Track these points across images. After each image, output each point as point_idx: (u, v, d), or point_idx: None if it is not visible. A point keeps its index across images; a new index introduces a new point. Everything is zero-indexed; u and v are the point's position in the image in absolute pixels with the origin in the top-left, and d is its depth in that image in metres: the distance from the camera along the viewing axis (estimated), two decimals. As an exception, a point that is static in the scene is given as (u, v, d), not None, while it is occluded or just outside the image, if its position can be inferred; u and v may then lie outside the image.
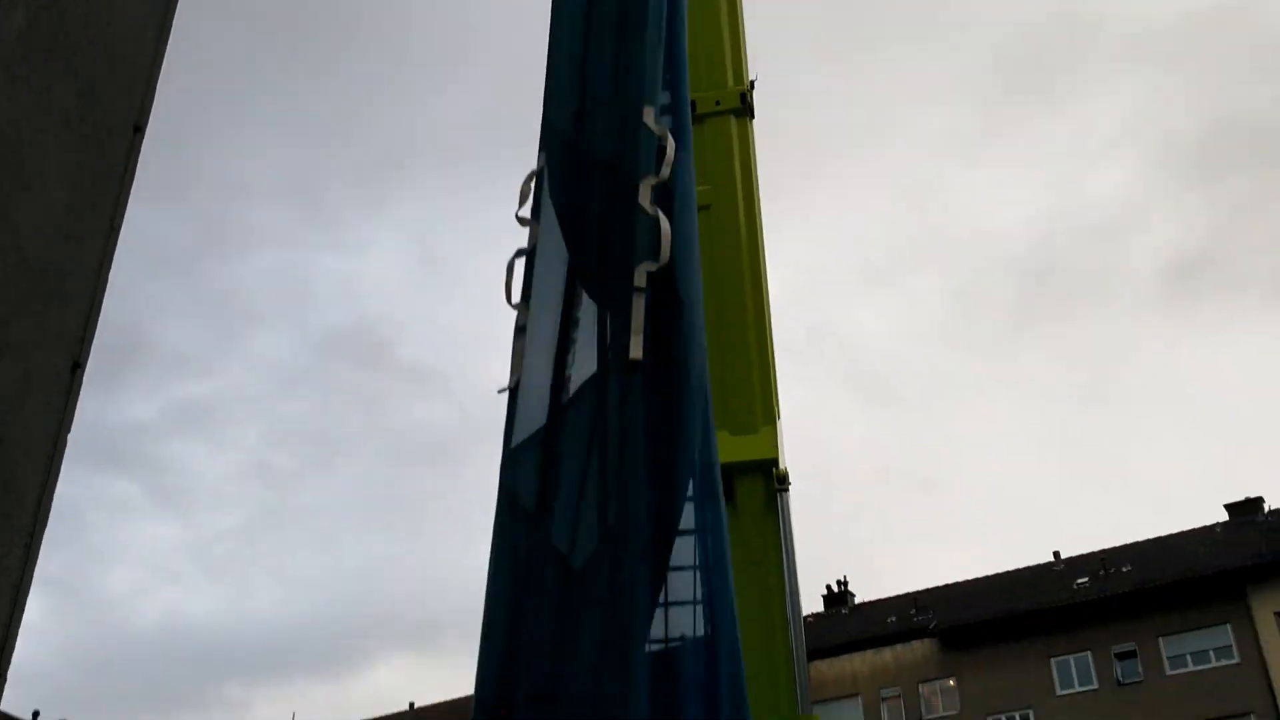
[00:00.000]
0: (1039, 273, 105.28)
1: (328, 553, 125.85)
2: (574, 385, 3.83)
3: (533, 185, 4.91)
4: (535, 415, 3.79)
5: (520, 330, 4.23)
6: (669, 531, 3.42)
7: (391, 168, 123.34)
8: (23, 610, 4.50)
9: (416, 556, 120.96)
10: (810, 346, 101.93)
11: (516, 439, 3.80)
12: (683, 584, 3.36)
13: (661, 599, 3.28)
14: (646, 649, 3.14)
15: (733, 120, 7.79)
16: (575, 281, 4.25)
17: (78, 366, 4.46)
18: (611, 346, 3.83)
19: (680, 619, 3.28)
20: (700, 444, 3.74)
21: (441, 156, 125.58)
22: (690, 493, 3.55)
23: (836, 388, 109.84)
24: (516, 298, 4.50)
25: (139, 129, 4.81)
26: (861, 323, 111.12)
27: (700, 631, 3.23)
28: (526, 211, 4.87)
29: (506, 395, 3.99)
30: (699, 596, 3.33)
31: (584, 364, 3.88)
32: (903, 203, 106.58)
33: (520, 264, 4.61)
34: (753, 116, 7.98)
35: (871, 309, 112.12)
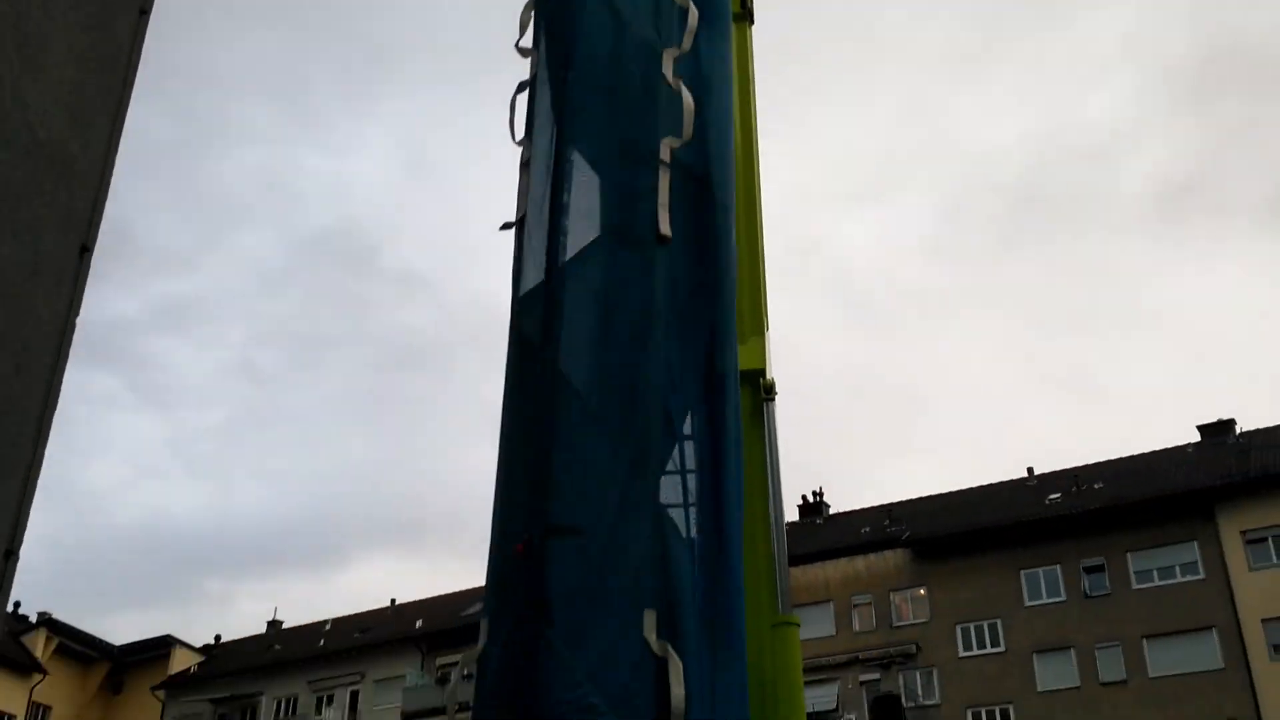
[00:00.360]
0: (1029, 193, 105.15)
1: (312, 453, 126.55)
2: (577, 231, 3.74)
3: (532, 14, 4.70)
4: (542, 257, 3.75)
5: (524, 166, 4.15)
6: (685, 401, 3.46)
7: (381, 66, 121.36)
8: (34, 490, 4.59)
9: (400, 460, 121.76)
10: (798, 261, 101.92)
11: (526, 281, 3.78)
12: (697, 481, 3.40)
13: (683, 497, 3.32)
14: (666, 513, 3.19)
15: (732, 25, 7.68)
16: (563, 115, 4.10)
17: (86, 250, 4.48)
18: (619, 209, 3.74)
19: (694, 515, 3.33)
20: (725, 342, 3.76)
21: (432, 56, 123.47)
22: (713, 385, 3.58)
23: (822, 303, 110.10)
24: (520, 134, 4.37)
25: (144, 11, 4.76)
26: (850, 239, 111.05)
27: (710, 530, 3.28)
28: (528, 41, 4.71)
29: (513, 231, 3.94)
30: (714, 495, 3.39)
31: (587, 212, 3.75)
32: (896, 119, 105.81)
33: (523, 99, 4.48)
34: (752, 22, 7.88)
35: (861, 225, 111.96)
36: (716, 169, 4.18)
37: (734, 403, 3.66)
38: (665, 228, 3.73)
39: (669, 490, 3.29)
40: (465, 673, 3.22)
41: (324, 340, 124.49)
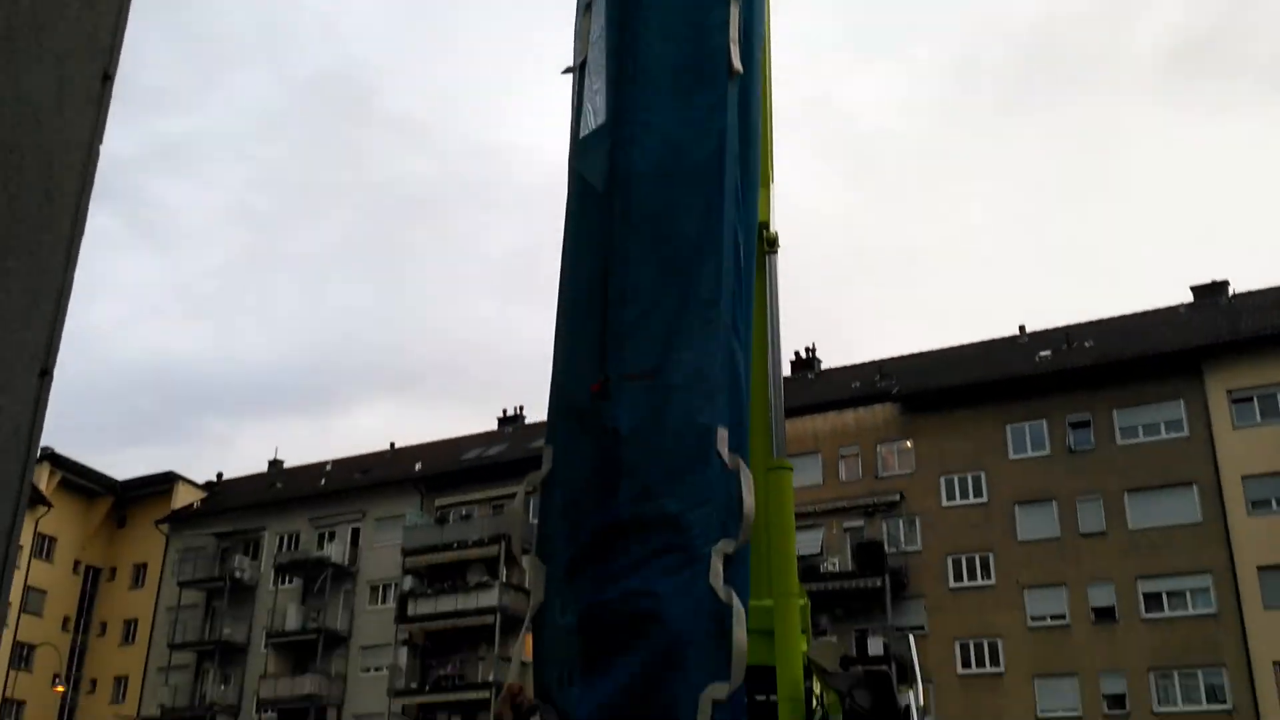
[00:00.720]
0: (1040, 50, 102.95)
1: (311, 299, 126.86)
2: (645, 71, 3.61)
3: None
4: (601, 100, 3.65)
5: (585, 8, 3.97)
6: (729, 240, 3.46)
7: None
8: (66, 312, 4.76)
9: (398, 308, 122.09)
10: (804, 117, 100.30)
11: (586, 125, 3.70)
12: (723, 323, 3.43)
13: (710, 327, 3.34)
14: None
15: None
16: None
17: (108, 77, 4.53)
18: (691, 45, 3.62)
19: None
20: (751, 193, 3.77)
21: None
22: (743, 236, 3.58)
23: (825, 159, 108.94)
24: None
25: None
26: (857, 95, 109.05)
27: (729, 363, 3.36)
28: None
29: (572, 74, 3.84)
30: (734, 330, 3.45)
31: (657, 51, 3.61)
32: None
33: None
34: None
35: (868, 82, 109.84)
36: (757, 17, 4.07)
37: (754, 255, 3.69)
38: (737, 62, 3.64)
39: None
40: (529, 490, 3.43)
41: (321, 186, 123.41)
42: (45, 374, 4.65)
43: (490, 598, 47.12)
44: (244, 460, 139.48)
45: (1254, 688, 34.93)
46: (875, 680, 7.48)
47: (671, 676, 2.86)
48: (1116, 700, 36.98)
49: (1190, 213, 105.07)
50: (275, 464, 64.28)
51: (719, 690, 2.84)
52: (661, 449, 3.07)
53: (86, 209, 4.69)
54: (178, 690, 53.77)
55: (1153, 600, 37.51)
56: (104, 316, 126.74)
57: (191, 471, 63.08)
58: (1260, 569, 35.92)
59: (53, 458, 56.32)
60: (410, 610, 49.06)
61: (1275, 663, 34.98)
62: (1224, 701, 35.45)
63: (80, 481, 58.54)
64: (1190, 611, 36.84)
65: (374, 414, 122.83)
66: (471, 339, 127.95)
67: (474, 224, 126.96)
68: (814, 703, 5.78)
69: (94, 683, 58.03)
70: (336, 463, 60.12)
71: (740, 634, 2.89)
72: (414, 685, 48.26)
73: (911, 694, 7.55)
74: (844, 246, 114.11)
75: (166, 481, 60.66)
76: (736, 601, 2.92)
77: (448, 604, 48.21)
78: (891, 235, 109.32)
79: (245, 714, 51.81)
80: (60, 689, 51.50)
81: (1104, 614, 38.01)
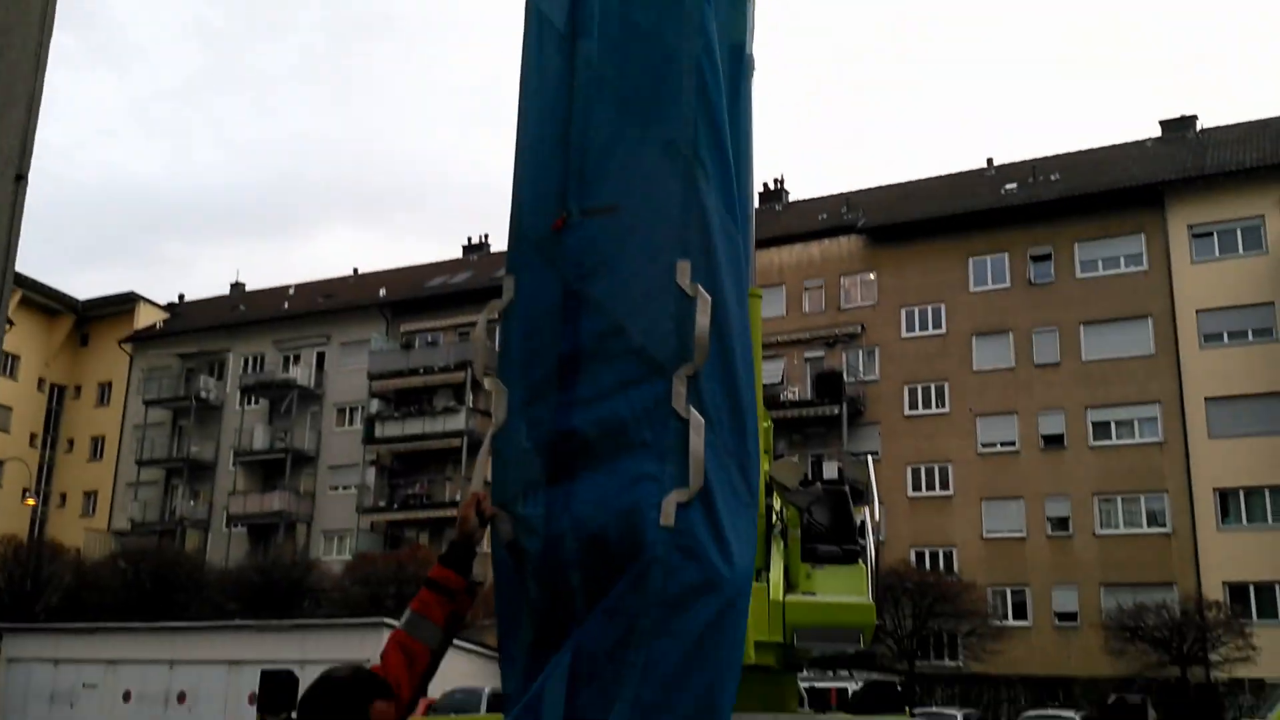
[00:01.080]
0: None
1: (271, 120, 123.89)
2: None
3: None
4: None
5: None
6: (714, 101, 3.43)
7: None
8: (38, 117, 4.71)
9: (360, 130, 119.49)
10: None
11: None
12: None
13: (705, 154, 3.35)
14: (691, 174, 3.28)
15: None
16: None
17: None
18: None
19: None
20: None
21: None
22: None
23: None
24: None
25: None
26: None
27: (691, 197, 3.38)
28: None
29: None
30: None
31: None
32: None
33: None
34: None
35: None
36: None
37: (731, 79, 3.65)
38: None
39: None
40: (491, 318, 3.50)
41: (279, 1, 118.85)
42: (20, 179, 4.64)
43: (457, 422, 47.87)
44: (204, 283, 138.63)
45: (1193, 512, 36.46)
46: (833, 498, 7.78)
47: (636, 488, 3.03)
48: (1060, 523, 38.54)
49: (1162, 47, 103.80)
50: (237, 286, 63.96)
51: (681, 495, 3.01)
52: (623, 283, 3.14)
53: (54, 13, 4.59)
54: (147, 505, 54.77)
55: (1101, 429, 38.71)
56: (58, 136, 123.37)
57: (151, 293, 62.62)
58: (1208, 400, 37.03)
59: (11, 276, 55.69)
60: (377, 432, 49.83)
61: (1215, 489, 36.43)
62: (1163, 525, 37.05)
63: (40, 300, 58.09)
64: (1137, 440, 38.09)
65: (335, 239, 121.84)
66: (435, 165, 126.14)
67: (436, 46, 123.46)
68: (774, 517, 6.04)
69: (63, 497, 58.94)
70: (299, 287, 59.90)
71: (696, 443, 3.03)
72: (382, 504, 49.42)
73: (867, 512, 7.85)
74: (815, 75, 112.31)
75: (128, 301, 60.36)
76: (695, 415, 3.05)
77: (415, 427, 48.96)
78: (863, 64, 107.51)
79: (215, 528, 52.98)
80: (31, 502, 52.27)
81: (1053, 441, 39.23)
